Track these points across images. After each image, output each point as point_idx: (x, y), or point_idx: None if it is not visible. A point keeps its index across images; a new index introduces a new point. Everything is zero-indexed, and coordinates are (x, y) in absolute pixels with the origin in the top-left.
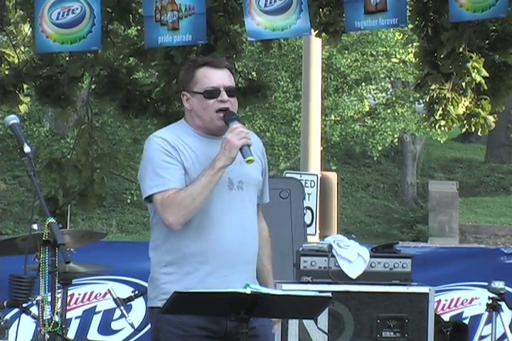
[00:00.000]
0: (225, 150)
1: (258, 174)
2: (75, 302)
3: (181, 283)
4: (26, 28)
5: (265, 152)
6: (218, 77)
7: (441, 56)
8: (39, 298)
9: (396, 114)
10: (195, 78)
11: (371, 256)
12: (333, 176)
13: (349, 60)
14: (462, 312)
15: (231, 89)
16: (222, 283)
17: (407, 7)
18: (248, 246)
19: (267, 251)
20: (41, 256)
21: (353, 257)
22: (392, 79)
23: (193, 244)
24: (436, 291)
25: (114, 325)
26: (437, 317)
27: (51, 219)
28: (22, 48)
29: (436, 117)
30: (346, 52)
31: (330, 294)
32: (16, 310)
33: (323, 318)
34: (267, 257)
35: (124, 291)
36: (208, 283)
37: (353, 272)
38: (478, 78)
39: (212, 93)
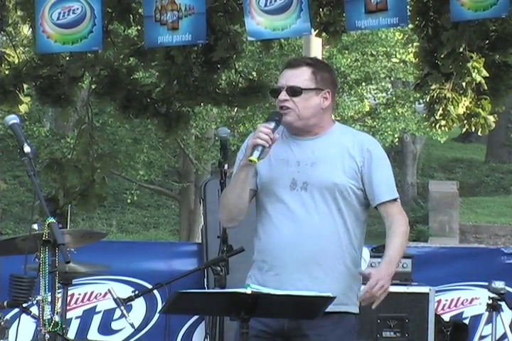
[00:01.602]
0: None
1: (337, 177)
2: (75, 302)
3: (251, 279)
4: (25, 29)
5: (374, 152)
6: (285, 77)
7: (442, 56)
8: (39, 298)
9: (396, 113)
10: None
11: (371, 256)
12: None
13: (349, 60)
14: (462, 312)
15: (294, 88)
16: (275, 282)
17: (407, 7)
18: (303, 247)
19: (392, 240)
20: (41, 256)
21: None
22: (392, 79)
23: (258, 242)
24: (437, 291)
25: (115, 325)
26: (437, 317)
27: (51, 219)
28: (22, 48)
29: (437, 117)
30: (346, 52)
31: (330, 294)
32: (16, 310)
33: None
34: (390, 244)
35: (124, 291)
36: (265, 280)
37: None
38: (479, 78)
39: (275, 92)
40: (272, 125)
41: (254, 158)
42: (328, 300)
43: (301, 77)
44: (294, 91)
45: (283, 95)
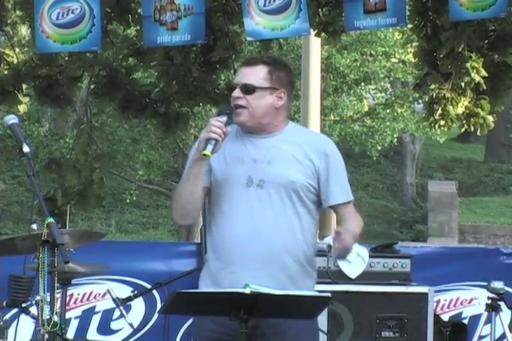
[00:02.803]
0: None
1: (294, 175)
2: (74, 302)
3: (205, 278)
4: (23, 30)
5: (332, 154)
6: (241, 74)
7: (441, 56)
8: (38, 297)
9: (395, 114)
10: None
11: (370, 256)
12: None
13: (348, 60)
14: (461, 312)
15: (247, 86)
16: (229, 280)
17: (406, 7)
18: (258, 245)
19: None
20: (40, 256)
21: (353, 257)
22: (391, 79)
23: (213, 239)
24: (436, 291)
25: (114, 325)
26: (436, 317)
27: (50, 219)
28: (21, 48)
29: (436, 117)
30: (345, 52)
31: (330, 294)
32: (15, 310)
33: (323, 318)
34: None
35: (123, 291)
36: (219, 278)
37: (353, 272)
38: (478, 78)
39: (232, 90)
40: (224, 119)
41: (207, 152)
42: (328, 300)
43: (256, 75)
44: (248, 89)
45: (236, 92)
